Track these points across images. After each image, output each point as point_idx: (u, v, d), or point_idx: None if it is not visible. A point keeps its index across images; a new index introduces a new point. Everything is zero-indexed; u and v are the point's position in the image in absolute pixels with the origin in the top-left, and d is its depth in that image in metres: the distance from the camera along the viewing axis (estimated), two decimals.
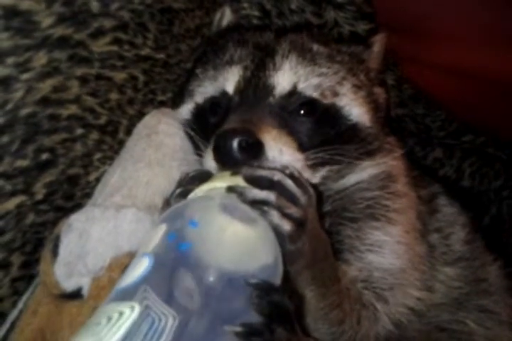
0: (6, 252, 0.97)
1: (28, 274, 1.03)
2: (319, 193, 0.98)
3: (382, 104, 1.23)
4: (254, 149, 0.92)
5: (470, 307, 1.15)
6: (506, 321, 1.16)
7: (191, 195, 0.82)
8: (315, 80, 1.08)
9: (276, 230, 0.76)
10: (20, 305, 1.01)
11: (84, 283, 0.92)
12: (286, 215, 0.78)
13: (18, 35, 0.85)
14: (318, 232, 0.88)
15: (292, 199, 0.81)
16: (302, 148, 1.01)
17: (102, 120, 1.06)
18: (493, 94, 1.59)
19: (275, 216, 0.77)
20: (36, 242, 1.02)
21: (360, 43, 1.26)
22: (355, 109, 1.10)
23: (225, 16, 1.33)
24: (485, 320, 1.15)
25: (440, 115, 1.69)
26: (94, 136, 1.06)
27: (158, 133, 1.11)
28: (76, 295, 0.92)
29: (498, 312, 1.16)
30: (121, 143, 1.13)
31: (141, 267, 0.67)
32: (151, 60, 1.13)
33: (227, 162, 0.91)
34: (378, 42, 1.26)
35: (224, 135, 0.92)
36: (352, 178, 1.10)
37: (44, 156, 0.97)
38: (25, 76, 0.88)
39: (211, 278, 0.65)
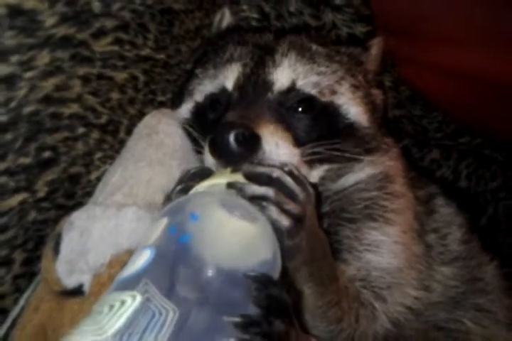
0: (9, 249, 0.98)
1: (29, 271, 1.03)
2: (318, 193, 0.99)
3: (380, 105, 1.24)
4: (251, 142, 0.92)
5: (467, 306, 1.16)
6: (503, 320, 1.17)
7: (192, 191, 0.83)
8: (314, 78, 1.09)
9: (275, 225, 0.77)
10: (21, 302, 1.01)
11: (85, 280, 0.93)
12: (284, 211, 0.79)
13: (22, 33, 0.86)
14: (317, 230, 0.89)
15: (291, 195, 0.82)
16: (299, 143, 1.02)
17: (103, 119, 1.07)
18: (490, 96, 1.59)
19: (274, 211, 0.78)
20: (38, 240, 1.03)
21: (358, 45, 1.27)
22: (353, 108, 1.11)
23: (225, 18, 1.34)
24: (481, 319, 1.15)
25: (437, 116, 1.69)
26: (96, 135, 1.07)
27: (158, 133, 1.12)
28: (77, 291, 0.93)
29: (495, 312, 1.17)
30: (122, 143, 1.14)
31: (143, 259, 0.68)
32: (151, 61, 1.14)
33: (223, 155, 0.92)
34: (376, 45, 1.27)
35: (221, 128, 0.93)
36: (350, 179, 1.11)
37: (46, 154, 0.98)
38: (28, 74, 0.89)
39: (210, 272, 0.65)
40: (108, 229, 0.94)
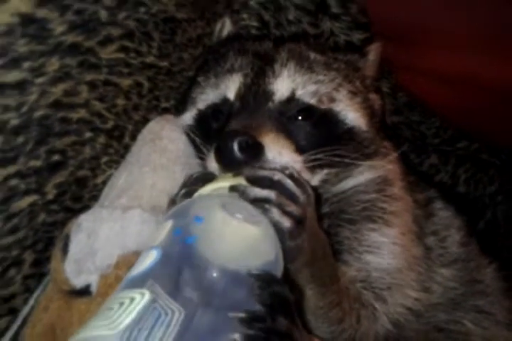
0: (19, 249, 0.99)
1: (38, 272, 1.05)
2: (318, 195, 1.01)
3: (378, 109, 1.26)
4: (255, 150, 0.94)
5: (467, 308, 1.17)
6: (503, 322, 1.18)
7: (196, 195, 0.85)
8: (312, 87, 1.11)
9: (277, 227, 0.78)
10: (31, 301, 1.03)
11: (93, 280, 0.94)
12: (286, 213, 0.80)
13: (33, 41, 0.87)
14: (317, 231, 0.90)
15: (292, 197, 0.83)
16: (300, 150, 1.04)
17: (109, 124, 1.09)
18: (487, 101, 1.60)
19: (276, 213, 0.79)
20: (47, 241, 1.04)
21: (356, 52, 1.29)
22: (351, 114, 1.13)
23: (225, 27, 1.37)
24: (481, 321, 1.16)
25: (435, 122, 1.71)
26: (102, 139, 1.08)
27: (162, 139, 1.14)
28: (85, 291, 0.94)
29: (494, 313, 1.18)
30: (127, 148, 1.15)
31: (150, 259, 0.69)
32: (155, 68, 1.16)
33: (228, 163, 0.94)
34: (373, 51, 1.29)
35: (226, 137, 0.95)
36: (350, 182, 1.13)
37: (55, 158, 0.99)
38: (39, 80, 0.90)
39: (215, 272, 0.66)
40: (114, 231, 0.96)
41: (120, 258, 0.95)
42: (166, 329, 0.60)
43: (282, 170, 0.87)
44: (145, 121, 1.18)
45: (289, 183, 0.85)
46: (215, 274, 0.66)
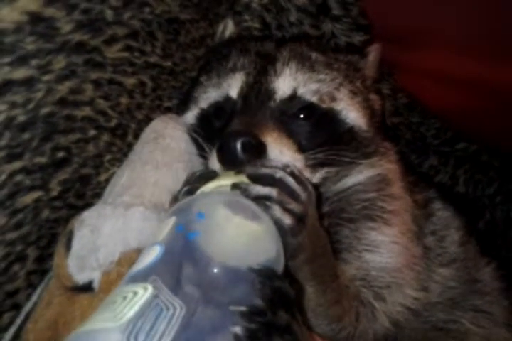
0: (23, 245, 1.00)
1: (41, 268, 1.05)
2: (319, 194, 1.02)
3: (378, 109, 1.27)
4: (257, 150, 0.95)
5: (465, 307, 1.17)
6: (501, 321, 1.18)
7: (198, 192, 0.85)
8: (314, 86, 1.12)
9: (278, 224, 0.79)
10: (34, 297, 1.03)
11: (95, 276, 0.95)
12: (287, 210, 0.81)
13: (41, 39, 0.88)
14: (317, 229, 0.91)
15: (293, 195, 0.84)
16: (301, 149, 1.05)
17: (113, 123, 1.10)
18: (487, 103, 1.60)
19: (277, 210, 0.80)
20: (50, 238, 1.05)
21: (356, 53, 1.30)
22: (352, 113, 1.14)
23: (228, 28, 1.38)
24: (480, 320, 1.17)
25: (435, 123, 1.72)
26: (106, 137, 1.09)
27: (164, 137, 1.15)
28: (87, 287, 0.95)
29: (493, 313, 1.19)
30: (130, 146, 1.16)
31: (153, 254, 0.69)
32: (158, 68, 1.17)
33: (230, 162, 0.94)
34: (374, 52, 1.30)
35: (228, 136, 0.96)
36: (349, 181, 1.13)
37: (60, 154, 1.00)
38: (46, 77, 0.91)
39: (216, 268, 0.67)
40: (117, 228, 0.96)
41: (122, 255, 0.95)
42: (168, 323, 0.61)
43: (284, 168, 0.88)
44: (148, 120, 1.19)
45: (291, 181, 0.86)
46: (216, 270, 0.67)
